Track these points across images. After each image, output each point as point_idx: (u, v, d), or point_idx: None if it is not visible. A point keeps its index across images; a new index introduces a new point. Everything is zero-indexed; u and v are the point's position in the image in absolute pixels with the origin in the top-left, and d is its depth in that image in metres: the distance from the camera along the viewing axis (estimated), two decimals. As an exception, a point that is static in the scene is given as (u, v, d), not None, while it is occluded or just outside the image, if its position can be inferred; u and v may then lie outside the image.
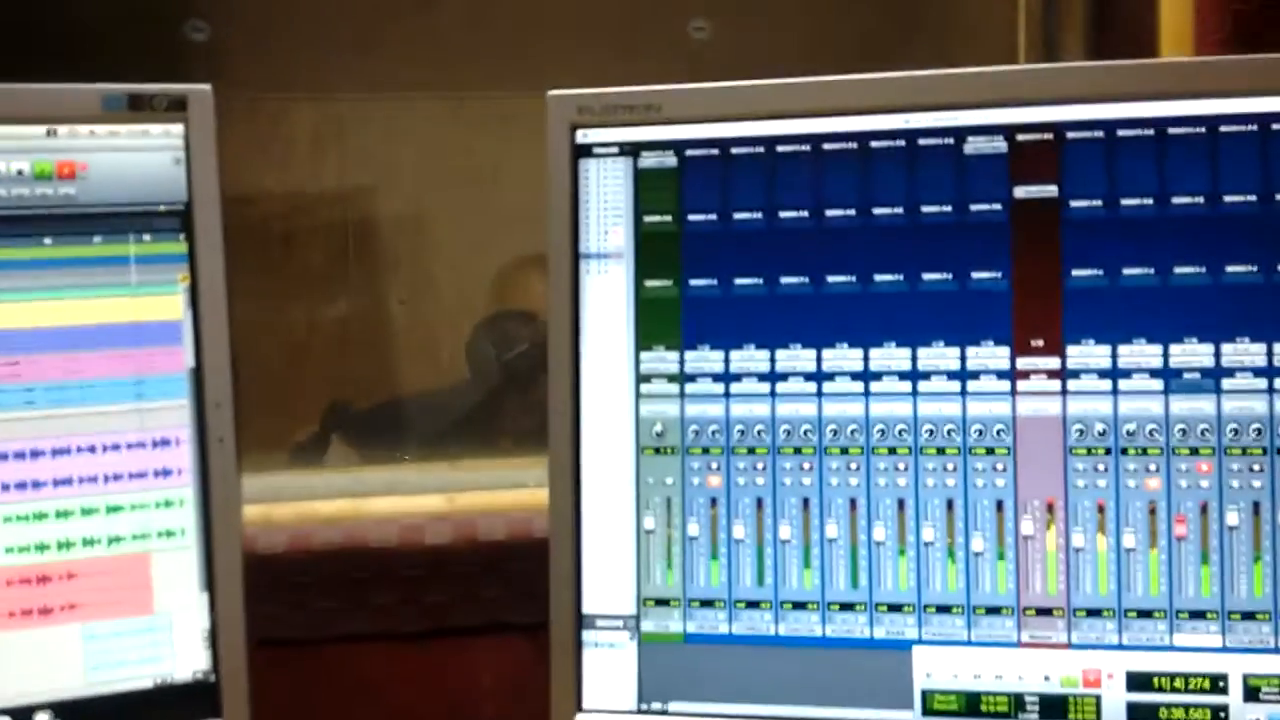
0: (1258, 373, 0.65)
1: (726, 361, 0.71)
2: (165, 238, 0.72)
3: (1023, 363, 0.68)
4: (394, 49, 2.40)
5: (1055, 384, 0.67)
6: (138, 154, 0.72)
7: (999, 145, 0.68)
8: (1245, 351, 0.65)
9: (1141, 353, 0.66)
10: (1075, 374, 0.67)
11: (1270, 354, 0.65)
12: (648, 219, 0.72)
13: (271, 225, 2.53)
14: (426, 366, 2.60)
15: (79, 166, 0.71)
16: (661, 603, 0.70)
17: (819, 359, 0.70)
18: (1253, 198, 0.66)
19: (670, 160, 0.72)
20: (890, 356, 0.69)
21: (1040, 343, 0.67)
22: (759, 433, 0.70)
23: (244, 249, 2.43)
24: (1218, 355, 0.66)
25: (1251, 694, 0.64)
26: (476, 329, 1.89)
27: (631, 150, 0.73)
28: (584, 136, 0.73)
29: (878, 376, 0.69)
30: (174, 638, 0.70)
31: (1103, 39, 1.21)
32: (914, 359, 0.69)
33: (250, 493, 1.12)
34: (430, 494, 1.06)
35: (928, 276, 0.69)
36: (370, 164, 2.58)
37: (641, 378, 0.72)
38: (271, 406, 2.42)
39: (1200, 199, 0.66)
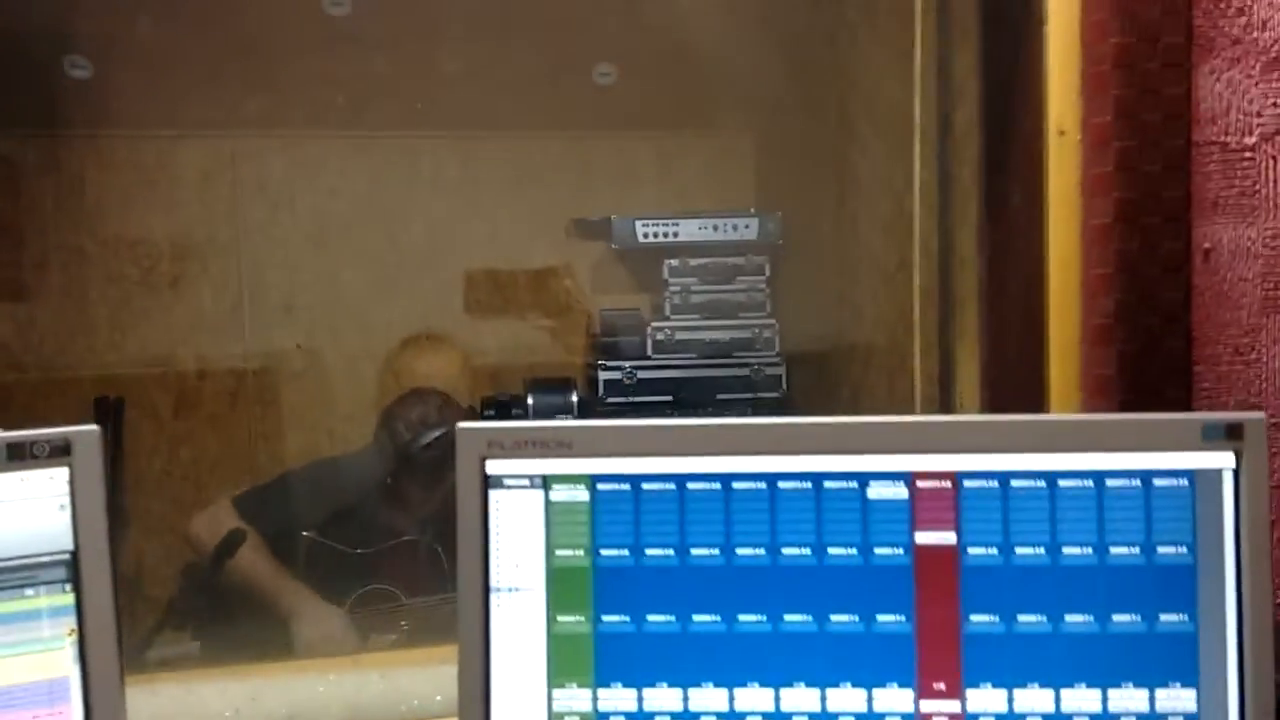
0: (1140, 718, 0.69)
1: (640, 700, 0.71)
2: (51, 590, 0.69)
3: (926, 706, 0.70)
4: (290, 86, 2.34)
5: (956, 727, 0.70)
6: (18, 503, 0.68)
7: (900, 491, 0.71)
8: (1130, 697, 0.69)
9: (1036, 698, 0.69)
10: (975, 718, 0.70)
11: (1152, 700, 0.69)
12: (559, 553, 0.72)
13: (159, 269, 2.44)
14: (327, 416, 2.54)
15: (-44, 522, 0.67)
16: None
17: (731, 699, 0.71)
18: (1136, 550, 0.69)
19: (582, 494, 0.72)
20: (800, 698, 0.71)
21: (942, 686, 0.70)
22: (673, 774, 0.71)
23: (130, 293, 2.31)
24: (1105, 700, 0.69)
25: None
26: (387, 413, 1.86)
27: (542, 483, 0.72)
28: (494, 468, 0.73)
29: (788, 718, 0.70)
30: None
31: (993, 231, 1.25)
32: (823, 700, 0.70)
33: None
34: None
35: (835, 618, 0.71)
36: (265, 204, 2.51)
37: (555, 716, 0.72)
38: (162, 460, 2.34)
39: (1088, 550, 0.70)
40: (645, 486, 0.72)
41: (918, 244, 1.80)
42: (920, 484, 0.70)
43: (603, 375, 2.03)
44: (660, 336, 2.06)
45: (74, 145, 2.40)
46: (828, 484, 0.71)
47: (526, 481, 0.73)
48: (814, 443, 0.71)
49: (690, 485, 0.72)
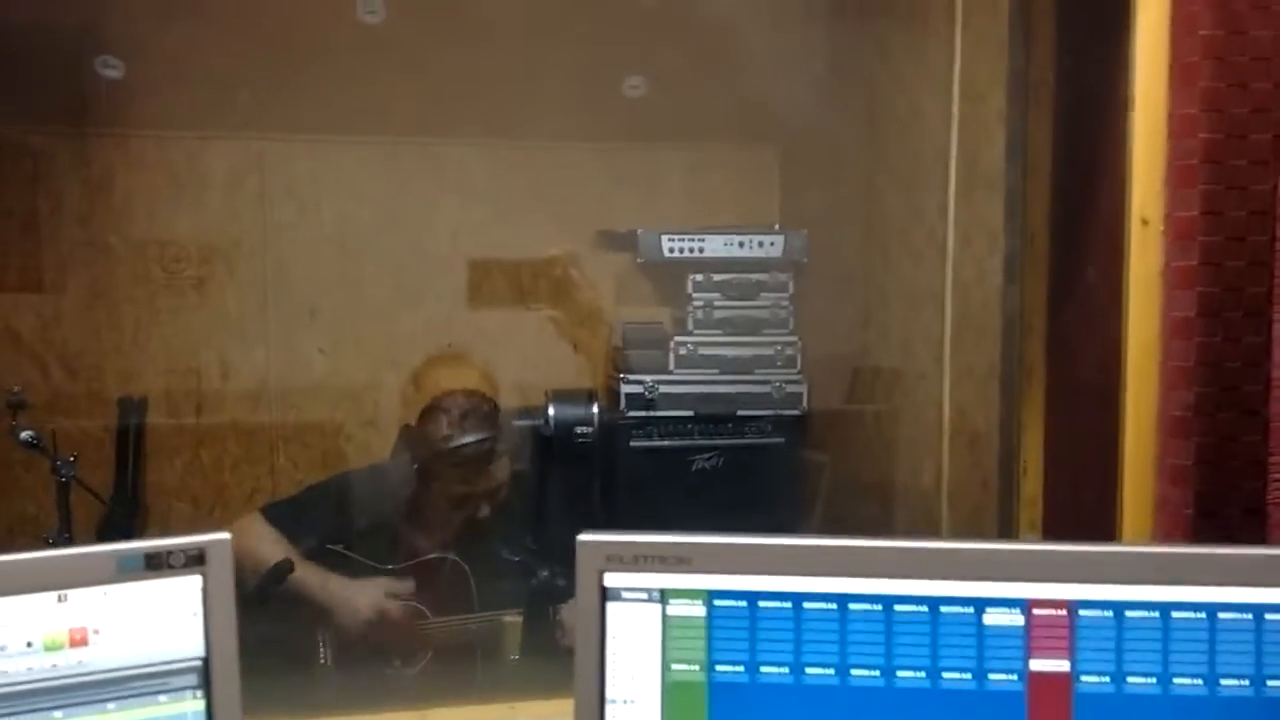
0: None
1: (752, 816, 0.72)
2: (182, 696, 0.70)
3: (1034, 830, 0.71)
4: (320, 91, 2.34)
5: None
6: (153, 611, 0.69)
7: (1016, 618, 0.72)
8: (1236, 829, 0.70)
9: (1143, 827, 0.71)
10: (1083, 845, 0.71)
11: (1258, 832, 0.70)
12: (675, 667, 0.73)
13: (185, 270, 2.45)
14: (347, 421, 2.55)
15: (91, 631, 0.68)
16: None
17: (842, 818, 0.72)
18: (1246, 683, 0.71)
19: (699, 609, 0.73)
20: (910, 818, 0.72)
21: (1051, 811, 0.71)
22: None
23: (155, 294, 2.32)
24: (1212, 832, 0.71)
25: None
26: (423, 414, 1.86)
27: (660, 597, 0.73)
28: (612, 580, 0.74)
29: (899, 839, 0.72)
30: None
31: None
32: (933, 822, 0.72)
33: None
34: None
35: (948, 742, 0.72)
36: (291, 207, 2.52)
37: (669, 828, 0.73)
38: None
39: (1199, 681, 0.71)
40: (762, 604, 0.73)
41: (950, 277, 1.82)
42: (1036, 612, 0.72)
43: (624, 389, 2.03)
44: (683, 351, 2.06)
45: (104, 144, 2.40)
46: (944, 609, 0.72)
47: (644, 595, 0.73)
48: (931, 567, 0.72)
49: (806, 605, 0.73)
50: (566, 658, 1.69)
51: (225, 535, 0.71)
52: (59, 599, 0.67)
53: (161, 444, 2.45)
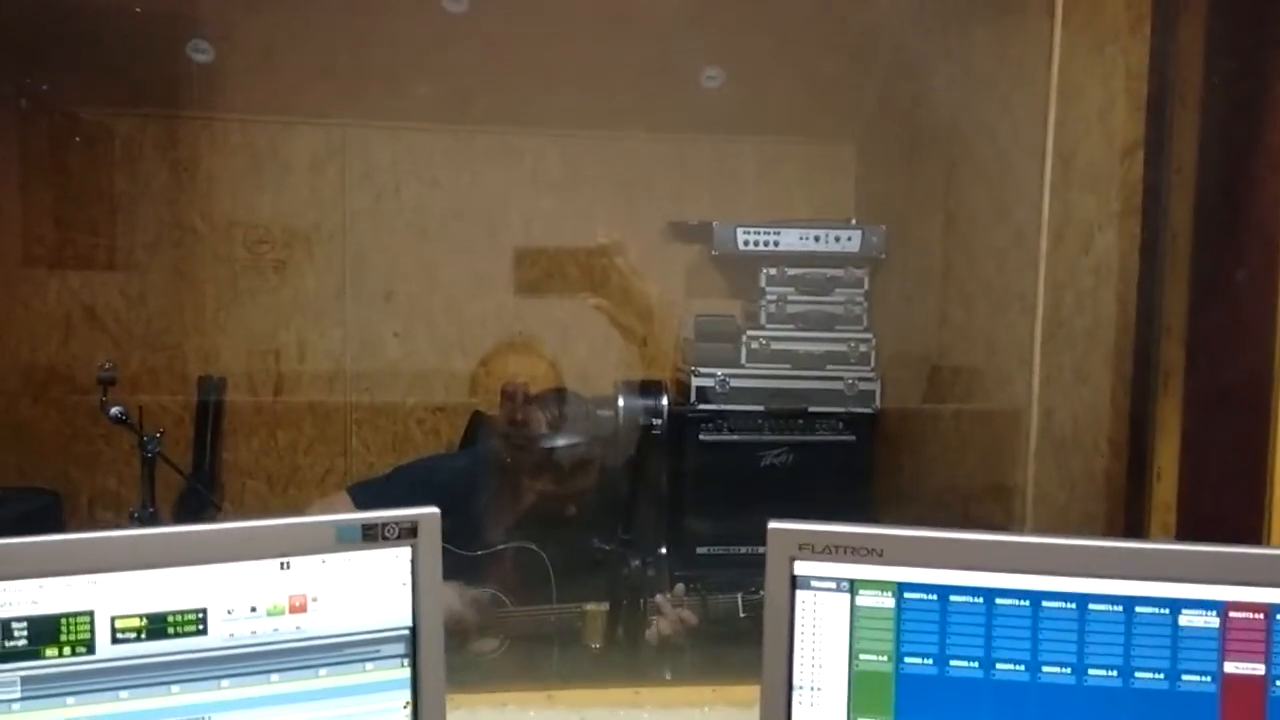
0: None
1: (938, 805, 0.73)
2: (389, 664, 0.71)
3: (1225, 832, 0.71)
4: (402, 79, 2.36)
5: None
6: (366, 580, 0.71)
7: (1212, 620, 0.72)
8: None
9: (1336, 831, 0.71)
10: (1274, 847, 0.71)
11: None
12: (862, 657, 0.74)
13: (267, 252, 2.49)
14: (419, 405, 2.58)
15: (309, 599, 0.70)
16: None
17: (1029, 813, 0.72)
18: None
19: (888, 601, 0.74)
20: (1098, 815, 0.72)
21: (1242, 813, 0.71)
22: None
23: (237, 275, 2.36)
24: (1405, 839, 0.70)
25: None
26: (509, 409, 1.87)
27: (849, 587, 0.74)
28: (802, 569, 0.74)
29: (1086, 835, 0.72)
30: None
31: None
32: (1122, 821, 0.72)
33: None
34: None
35: (1139, 741, 0.72)
36: (370, 192, 2.55)
37: (853, 815, 0.74)
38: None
39: (1398, 690, 0.71)
40: (953, 598, 0.73)
41: (1042, 276, 1.80)
42: (1233, 614, 0.72)
43: (695, 381, 2.03)
44: (755, 346, 2.06)
45: (191, 127, 2.44)
46: (1139, 609, 0.72)
47: (833, 584, 0.74)
48: (1127, 568, 0.72)
49: (999, 600, 0.73)
50: (654, 650, 1.69)
51: (435, 510, 0.73)
52: (281, 566, 0.69)
53: (239, 423, 2.50)
